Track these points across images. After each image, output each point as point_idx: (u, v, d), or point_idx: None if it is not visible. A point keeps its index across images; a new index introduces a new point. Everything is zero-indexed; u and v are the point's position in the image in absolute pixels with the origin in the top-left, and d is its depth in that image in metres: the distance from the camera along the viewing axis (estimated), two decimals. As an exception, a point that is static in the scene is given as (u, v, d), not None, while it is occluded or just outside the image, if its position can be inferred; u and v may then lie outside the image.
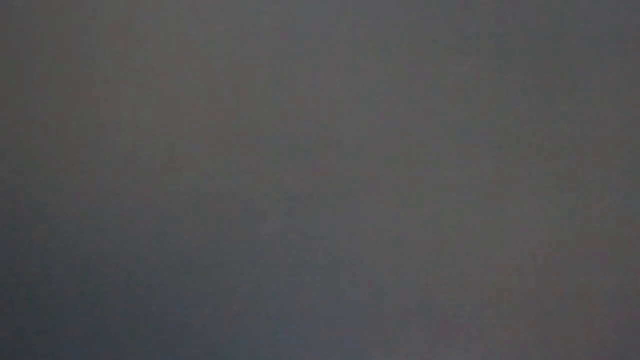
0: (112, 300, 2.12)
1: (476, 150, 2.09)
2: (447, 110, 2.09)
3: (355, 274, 2.09)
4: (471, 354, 2.07)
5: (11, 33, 2.17)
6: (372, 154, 2.10)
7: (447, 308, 2.08)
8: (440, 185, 2.08)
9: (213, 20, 2.15)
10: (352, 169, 2.10)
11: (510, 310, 2.07)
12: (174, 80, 2.14)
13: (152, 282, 2.11)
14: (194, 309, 2.10)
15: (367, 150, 2.10)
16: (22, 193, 2.14)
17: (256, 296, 2.10)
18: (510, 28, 2.09)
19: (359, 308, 2.09)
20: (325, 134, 2.11)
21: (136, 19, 2.16)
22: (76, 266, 2.13)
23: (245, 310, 2.10)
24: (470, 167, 2.08)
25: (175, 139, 2.13)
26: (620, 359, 2.05)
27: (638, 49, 2.07)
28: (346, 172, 2.10)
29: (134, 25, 2.16)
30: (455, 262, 2.08)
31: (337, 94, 2.12)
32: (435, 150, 2.09)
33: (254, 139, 2.12)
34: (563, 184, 2.07)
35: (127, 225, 2.12)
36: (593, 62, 2.08)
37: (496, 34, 2.09)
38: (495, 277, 2.07)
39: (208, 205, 2.11)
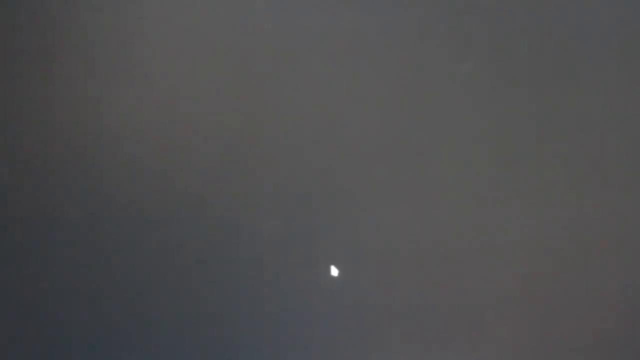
0: (111, 301, 2.12)
1: (476, 151, 2.08)
2: (447, 110, 2.09)
3: (355, 274, 2.09)
4: (471, 355, 2.07)
5: (11, 33, 2.17)
6: (372, 154, 2.10)
7: (448, 309, 2.07)
8: (440, 185, 2.08)
9: (213, 21, 2.15)
10: (352, 169, 2.10)
11: (511, 311, 2.07)
12: (174, 80, 2.14)
13: (151, 282, 2.11)
14: (194, 309, 2.10)
15: (367, 150, 2.10)
16: (22, 193, 2.14)
17: (256, 296, 2.10)
18: (510, 28, 2.09)
19: (358, 308, 2.09)
20: (325, 134, 2.11)
21: (137, 19, 2.16)
22: (76, 266, 2.13)
23: (245, 310, 2.10)
24: (470, 167, 2.08)
25: (175, 139, 2.13)
26: (620, 359, 2.05)
27: (638, 49, 2.07)
28: (346, 172, 2.10)
29: (134, 26, 2.16)
30: (455, 263, 2.08)
31: (337, 94, 2.12)
32: (436, 151, 2.09)
33: (254, 139, 2.12)
34: (563, 184, 2.07)
35: (126, 225, 2.12)
36: (593, 62, 2.07)
37: (496, 34, 2.09)
38: (495, 278, 2.07)
39: (208, 205, 2.11)
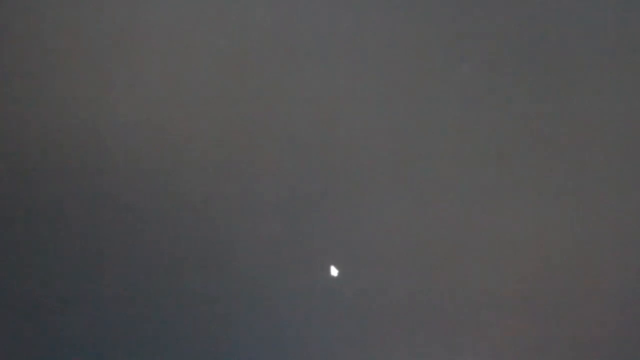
0: (111, 301, 2.12)
1: (476, 151, 2.09)
2: (447, 111, 2.09)
3: (355, 274, 2.09)
4: (471, 355, 2.07)
5: (11, 32, 2.17)
6: (372, 154, 2.10)
7: (448, 309, 2.08)
8: (440, 186, 2.08)
9: (213, 20, 2.15)
10: (352, 169, 2.10)
11: (511, 311, 2.07)
12: (174, 80, 2.14)
13: (151, 282, 2.11)
14: (194, 309, 2.10)
15: (367, 151, 2.10)
16: (22, 193, 2.14)
17: (256, 296, 2.10)
18: (510, 28, 2.09)
19: (358, 308, 2.09)
20: (326, 134, 2.11)
21: (137, 19, 2.16)
22: (76, 266, 2.13)
23: (245, 310, 2.10)
24: (470, 168, 2.08)
25: (174, 139, 2.13)
26: (620, 359, 2.05)
27: (638, 49, 2.07)
28: (346, 172, 2.10)
29: (134, 25, 2.16)
30: (455, 263, 2.08)
31: (337, 94, 2.11)
32: (435, 151, 2.09)
33: (254, 139, 2.12)
34: (563, 184, 2.07)
35: (126, 225, 2.12)
36: (593, 62, 2.07)
37: (496, 34, 2.09)
38: (495, 278, 2.07)
39: (208, 205, 2.11)
